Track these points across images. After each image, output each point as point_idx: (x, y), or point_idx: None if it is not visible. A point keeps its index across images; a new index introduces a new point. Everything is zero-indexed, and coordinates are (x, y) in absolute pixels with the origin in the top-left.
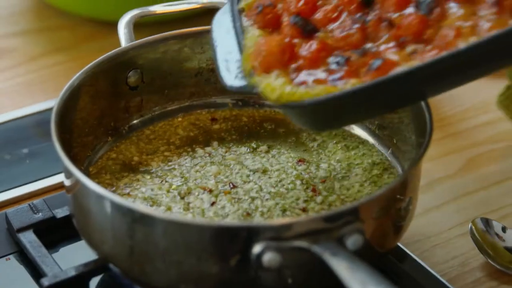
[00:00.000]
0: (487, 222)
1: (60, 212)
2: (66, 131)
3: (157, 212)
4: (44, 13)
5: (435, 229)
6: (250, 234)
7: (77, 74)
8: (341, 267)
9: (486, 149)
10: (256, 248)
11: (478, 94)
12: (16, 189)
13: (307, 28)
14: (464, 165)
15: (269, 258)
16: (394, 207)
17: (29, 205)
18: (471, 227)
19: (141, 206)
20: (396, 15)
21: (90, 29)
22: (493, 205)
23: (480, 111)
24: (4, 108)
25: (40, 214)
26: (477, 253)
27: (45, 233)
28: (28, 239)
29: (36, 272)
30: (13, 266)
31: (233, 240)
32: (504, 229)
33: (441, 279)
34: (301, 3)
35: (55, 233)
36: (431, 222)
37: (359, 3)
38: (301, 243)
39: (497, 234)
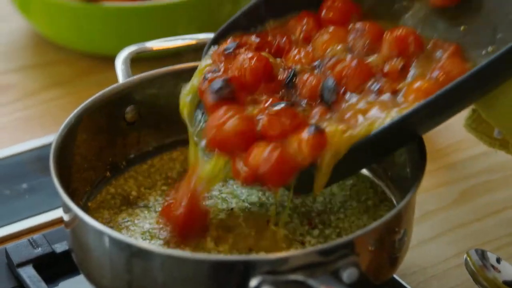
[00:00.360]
0: (482, 253)
1: (60, 247)
2: (64, 167)
3: (154, 246)
4: (42, 48)
5: (431, 260)
6: (247, 268)
7: (75, 111)
8: None
9: (480, 180)
10: (253, 282)
11: None
12: (16, 224)
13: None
14: (459, 196)
15: None
16: (389, 240)
17: (29, 240)
18: (466, 259)
19: (138, 241)
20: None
21: (88, 64)
22: (487, 236)
23: (474, 143)
24: (3, 143)
25: (40, 249)
26: (473, 284)
27: (45, 268)
28: (28, 274)
29: None
30: None
31: (230, 274)
32: (498, 260)
33: None
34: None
35: (55, 267)
36: (427, 253)
37: (285, 84)
38: (297, 277)
39: (492, 266)
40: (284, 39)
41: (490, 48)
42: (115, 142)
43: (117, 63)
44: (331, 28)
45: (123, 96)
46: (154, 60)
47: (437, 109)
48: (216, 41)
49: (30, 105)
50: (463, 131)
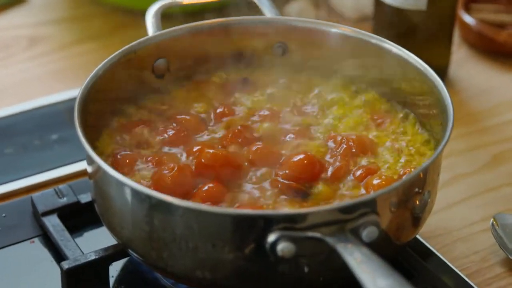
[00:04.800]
0: (508, 218)
1: (85, 198)
2: (90, 118)
3: (174, 198)
4: (78, 1)
5: (457, 223)
6: (265, 222)
7: (102, 63)
8: (352, 258)
9: None
10: (271, 237)
11: (507, 91)
12: (43, 173)
13: None
14: (490, 161)
15: (282, 247)
16: (411, 200)
17: (55, 189)
18: (492, 223)
19: (158, 193)
20: None
21: (123, 18)
22: None
23: (507, 108)
24: (37, 93)
25: (65, 198)
26: (498, 248)
27: (69, 217)
28: (52, 222)
29: (59, 256)
30: (37, 249)
31: (249, 228)
32: None
33: (460, 273)
34: None
35: (79, 217)
36: (454, 216)
37: None
38: (315, 234)
39: None
40: None
41: None
42: (144, 94)
43: (148, 16)
44: None
45: (152, 49)
46: (184, 18)
47: None
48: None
49: (64, 57)
50: (497, 97)
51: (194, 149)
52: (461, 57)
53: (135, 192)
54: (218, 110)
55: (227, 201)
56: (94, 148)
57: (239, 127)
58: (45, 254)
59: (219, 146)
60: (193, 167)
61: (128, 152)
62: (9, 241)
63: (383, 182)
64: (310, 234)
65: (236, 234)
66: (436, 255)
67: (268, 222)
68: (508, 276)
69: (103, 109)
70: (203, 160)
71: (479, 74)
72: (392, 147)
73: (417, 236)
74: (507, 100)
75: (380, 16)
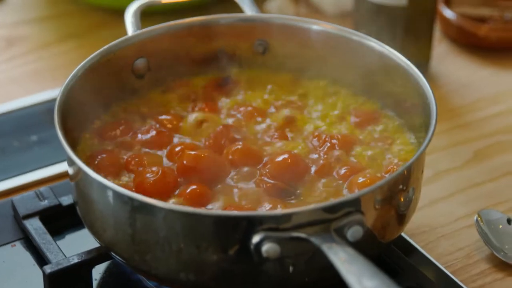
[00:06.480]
0: (492, 214)
1: (66, 200)
2: (70, 120)
3: (156, 200)
4: (55, 0)
5: (441, 220)
6: (250, 224)
7: (82, 64)
8: (337, 259)
9: (494, 141)
10: (255, 238)
11: (488, 86)
12: (23, 176)
13: None
14: (472, 156)
15: (267, 248)
16: (396, 198)
17: (36, 192)
18: (476, 219)
19: (141, 195)
20: None
21: (101, 17)
22: (500, 197)
23: (489, 103)
24: (15, 95)
25: (46, 201)
26: (483, 245)
27: (51, 220)
28: (34, 226)
29: (41, 259)
30: (18, 252)
31: (232, 230)
32: (509, 221)
33: (445, 271)
34: None
35: (61, 220)
36: (437, 213)
37: None
38: (300, 234)
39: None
40: None
41: None
42: (124, 95)
43: (127, 15)
44: None
45: (132, 49)
46: (164, 15)
47: None
48: None
49: (42, 58)
50: (479, 91)
51: (176, 149)
52: (441, 52)
53: (117, 195)
54: (197, 109)
55: (211, 202)
56: (75, 149)
57: (220, 127)
58: (27, 258)
59: (204, 143)
60: (175, 168)
61: (109, 154)
62: None
63: (368, 181)
64: (295, 234)
65: (220, 236)
66: (420, 252)
67: (252, 223)
68: (493, 272)
69: (83, 110)
70: (185, 162)
71: (460, 68)
72: (375, 145)
73: (402, 234)
74: (488, 95)
75: (360, 12)
